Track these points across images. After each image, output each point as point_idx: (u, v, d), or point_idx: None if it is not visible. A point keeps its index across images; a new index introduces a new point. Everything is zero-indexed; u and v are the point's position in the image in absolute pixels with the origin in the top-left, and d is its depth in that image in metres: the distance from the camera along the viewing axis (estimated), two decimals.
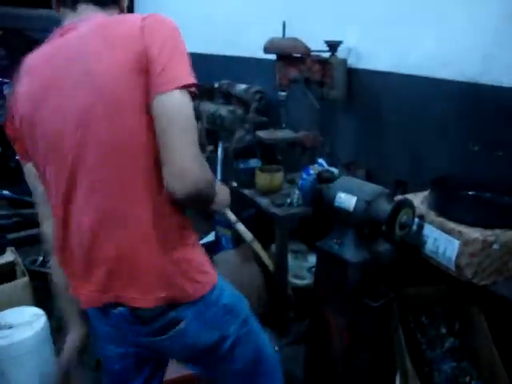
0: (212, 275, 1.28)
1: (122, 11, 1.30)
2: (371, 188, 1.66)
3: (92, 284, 1.22)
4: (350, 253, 1.65)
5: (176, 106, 1.06)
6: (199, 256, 1.25)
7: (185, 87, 1.07)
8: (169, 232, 1.18)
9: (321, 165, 2.52)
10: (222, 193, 1.51)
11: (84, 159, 1.13)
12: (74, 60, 1.13)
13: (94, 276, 1.20)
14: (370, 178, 2.52)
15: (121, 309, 1.22)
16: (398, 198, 1.68)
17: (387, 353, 2.05)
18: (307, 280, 2.09)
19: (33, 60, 1.22)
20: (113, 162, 1.11)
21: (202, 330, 1.26)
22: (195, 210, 1.38)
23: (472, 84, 2.16)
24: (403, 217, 1.60)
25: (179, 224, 1.20)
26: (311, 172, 2.32)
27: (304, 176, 2.28)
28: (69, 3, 1.22)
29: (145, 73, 1.07)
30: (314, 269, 1.87)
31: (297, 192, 2.32)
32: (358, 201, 1.60)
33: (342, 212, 1.64)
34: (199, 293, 1.23)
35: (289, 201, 2.27)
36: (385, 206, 1.59)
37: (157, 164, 1.10)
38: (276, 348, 2.37)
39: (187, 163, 1.05)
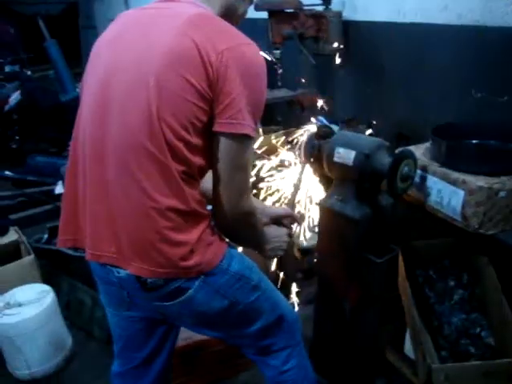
0: (219, 246, 1.27)
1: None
2: (370, 141, 1.60)
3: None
4: (352, 209, 1.61)
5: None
6: (205, 231, 1.23)
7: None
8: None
9: (321, 123, 2.46)
10: (275, 240, 1.47)
11: None
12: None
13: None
14: (372, 133, 2.46)
15: (122, 272, 1.22)
16: (399, 149, 1.63)
17: (396, 309, 2.04)
18: (313, 240, 2.07)
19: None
20: None
21: (211, 298, 1.27)
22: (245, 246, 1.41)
23: (472, 27, 2.07)
24: (404, 168, 1.54)
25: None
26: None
27: None
28: None
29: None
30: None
31: (297, 152, 2.27)
32: (357, 154, 1.55)
33: (341, 167, 1.59)
34: (203, 269, 1.22)
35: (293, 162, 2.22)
36: (385, 159, 1.53)
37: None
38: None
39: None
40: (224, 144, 1.16)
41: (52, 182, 3.66)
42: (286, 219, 1.55)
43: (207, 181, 1.27)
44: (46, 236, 3.02)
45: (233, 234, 1.32)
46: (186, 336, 2.04)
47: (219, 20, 1.21)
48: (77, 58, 6.23)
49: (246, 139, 1.17)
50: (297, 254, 2.40)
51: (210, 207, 1.31)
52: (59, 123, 4.82)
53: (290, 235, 1.52)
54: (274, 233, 1.48)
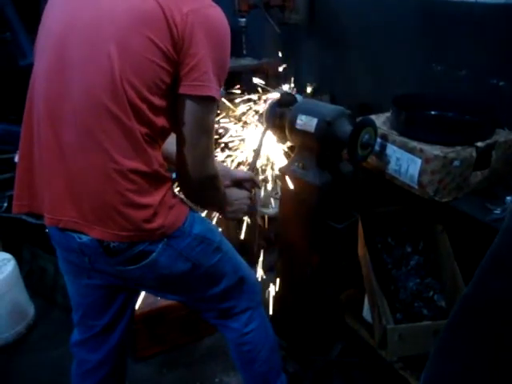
0: (181, 209, 1.28)
1: None
2: (332, 109, 1.63)
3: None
4: (313, 175, 1.64)
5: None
6: (167, 194, 1.24)
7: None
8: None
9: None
10: (236, 202, 1.50)
11: None
12: None
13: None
14: (335, 102, 2.49)
15: (84, 237, 1.21)
16: (360, 118, 1.66)
17: (355, 274, 2.11)
18: (276, 208, 2.10)
19: None
20: None
21: (174, 261, 1.29)
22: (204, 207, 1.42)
23: (435, 1, 2.10)
24: (365, 136, 1.58)
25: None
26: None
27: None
28: None
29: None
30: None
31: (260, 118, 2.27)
32: (318, 122, 1.57)
33: (303, 134, 1.61)
34: (166, 232, 1.24)
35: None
36: (346, 126, 1.57)
37: None
38: None
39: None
40: (189, 106, 1.16)
41: (11, 149, 3.57)
42: (247, 183, 1.58)
43: (170, 143, 1.28)
44: (5, 204, 2.96)
45: (197, 196, 1.33)
46: (150, 301, 2.06)
47: None
48: (36, 22, 5.97)
49: (211, 101, 1.17)
50: (260, 221, 2.44)
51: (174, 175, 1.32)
52: (18, 89, 4.64)
53: (251, 198, 1.55)
54: (236, 195, 1.51)
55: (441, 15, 2.10)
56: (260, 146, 1.73)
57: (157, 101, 1.15)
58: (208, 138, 1.22)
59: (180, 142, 1.21)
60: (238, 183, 1.56)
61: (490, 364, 0.71)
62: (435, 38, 2.14)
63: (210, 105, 1.18)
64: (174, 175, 1.31)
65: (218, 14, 1.17)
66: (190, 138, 1.19)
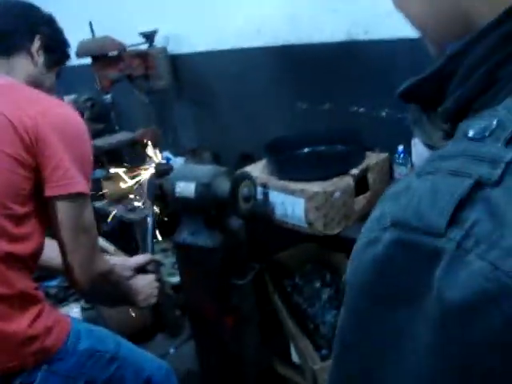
0: (61, 327, 1.19)
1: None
2: (207, 170, 1.64)
3: None
4: (204, 239, 1.63)
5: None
6: (41, 316, 1.14)
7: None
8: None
9: (167, 158, 2.46)
10: (145, 289, 1.43)
11: None
12: None
13: None
14: (217, 159, 2.52)
15: None
16: (236, 172, 1.69)
17: (277, 321, 2.09)
18: None
19: None
20: None
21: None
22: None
23: (286, 46, 2.23)
24: (244, 190, 1.60)
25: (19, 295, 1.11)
26: None
27: None
28: None
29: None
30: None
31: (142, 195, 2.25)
32: (196, 186, 1.58)
33: (185, 200, 1.61)
34: (45, 357, 1.14)
35: (142, 203, 2.20)
36: (224, 184, 1.58)
37: None
38: (172, 350, 2.35)
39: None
40: (60, 208, 1.11)
41: None
42: (150, 265, 1.53)
43: (49, 251, 1.21)
44: None
45: (96, 297, 1.28)
46: None
47: (25, 87, 1.18)
48: None
49: (81, 197, 1.13)
50: (170, 291, 2.37)
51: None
52: None
53: (159, 280, 1.52)
54: (142, 282, 1.45)
55: (294, 58, 2.23)
56: (151, 223, 1.66)
57: (19, 209, 1.09)
58: (89, 235, 1.17)
59: (61, 247, 1.15)
60: (141, 269, 1.50)
61: None
62: (294, 79, 2.26)
63: (80, 201, 1.14)
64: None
65: (67, 112, 1.16)
66: (70, 239, 1.13)
